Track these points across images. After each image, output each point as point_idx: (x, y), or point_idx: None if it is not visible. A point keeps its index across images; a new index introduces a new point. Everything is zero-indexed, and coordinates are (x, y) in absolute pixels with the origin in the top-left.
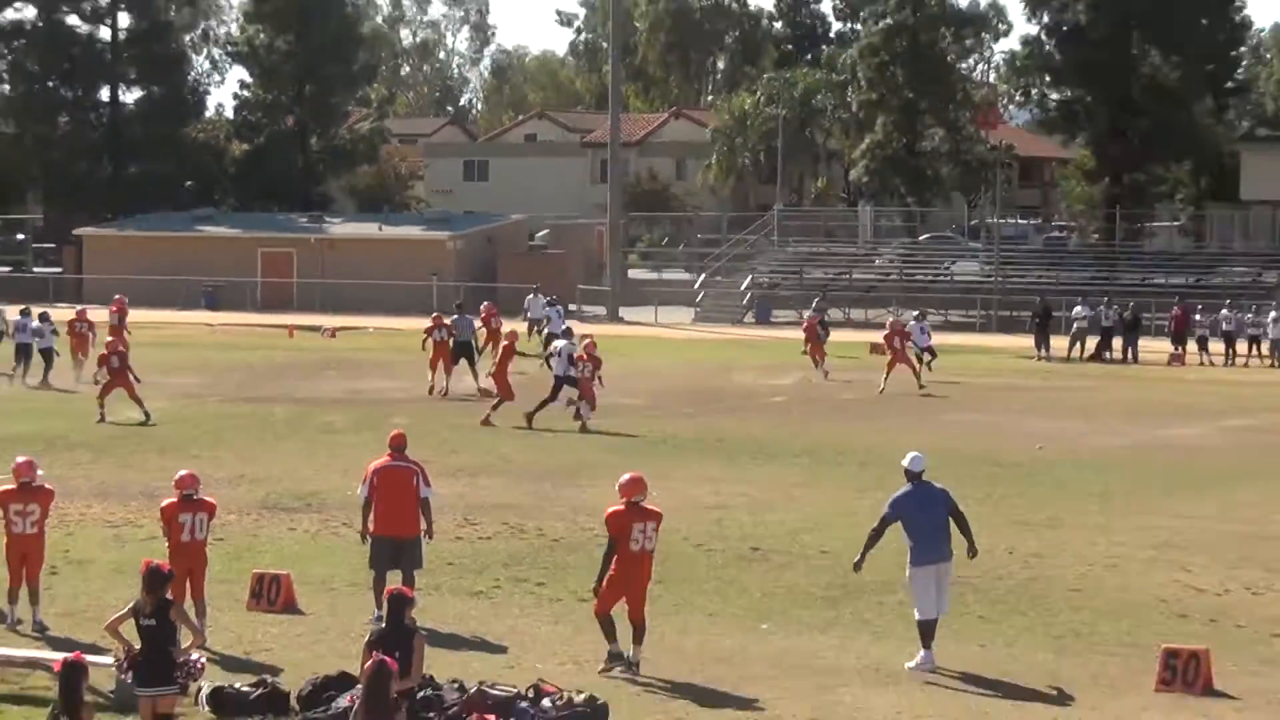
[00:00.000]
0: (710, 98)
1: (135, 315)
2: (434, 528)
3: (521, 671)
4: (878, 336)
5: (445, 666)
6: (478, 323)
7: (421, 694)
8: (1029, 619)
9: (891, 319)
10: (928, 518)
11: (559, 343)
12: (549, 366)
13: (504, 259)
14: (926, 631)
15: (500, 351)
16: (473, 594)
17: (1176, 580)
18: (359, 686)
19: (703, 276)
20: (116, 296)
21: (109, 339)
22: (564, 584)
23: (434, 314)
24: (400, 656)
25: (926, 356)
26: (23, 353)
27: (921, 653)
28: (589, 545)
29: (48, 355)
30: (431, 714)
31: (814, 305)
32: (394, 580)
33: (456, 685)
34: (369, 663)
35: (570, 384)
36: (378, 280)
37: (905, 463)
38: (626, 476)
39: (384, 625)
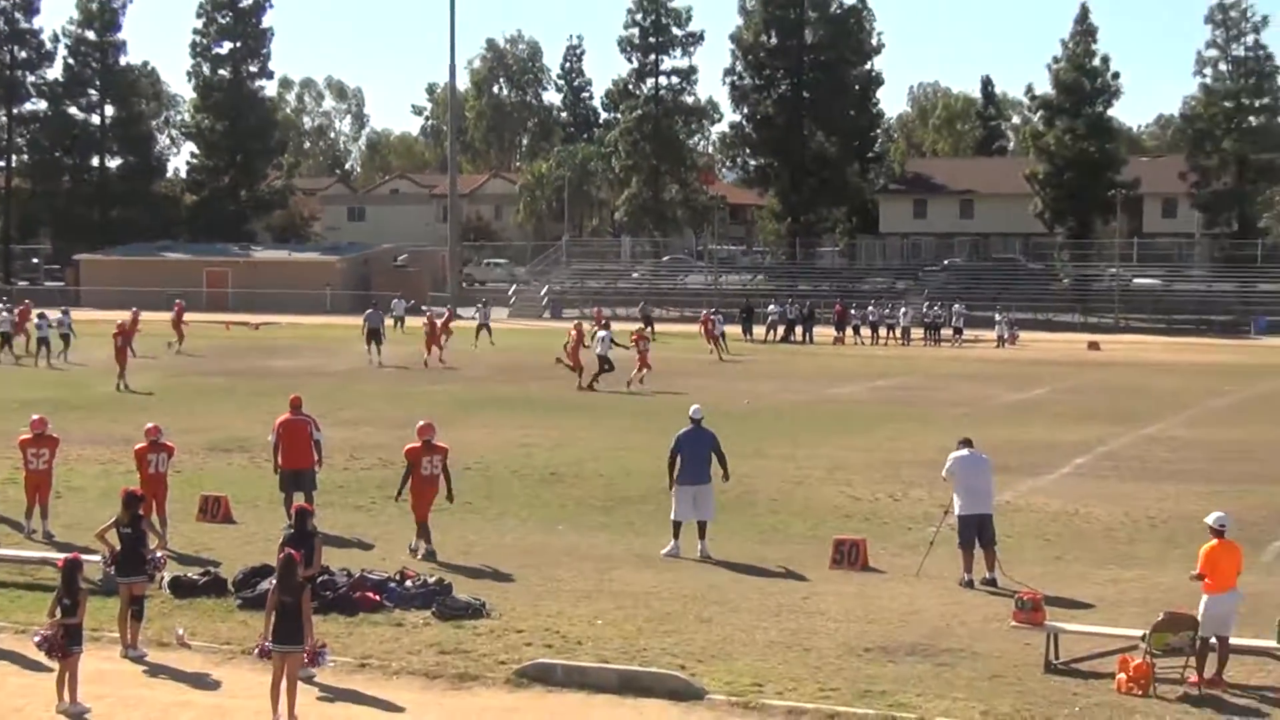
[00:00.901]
0: (518, 164)
1: (123, 315)
2: (324, 461)
3: (391, 562)
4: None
5: (337, 559)
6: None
7: (320, 578)
8: (743, 519)
9: (705, 312)
10: (695, 451)
11: (601, 333)
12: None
13: (376, 275)
14: (676, 530)
15: (573, 337)
16: (356, 508)
17: (842, 492)
18: (275, 573)
19: (515, 285)
20: (177, 301)
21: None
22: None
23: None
24: (305, 553)
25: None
26: (43, 344)
27: (671, 543)
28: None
29: (66, 340)
30: (328, 592)
31: (711, 308)
32: (298, 500)
33: (345, 572)
34: (281, 555)
35: (607, 363)
36: (288, 290)
37: (690, 412)
38: (421, 422)
39: (293, 531)
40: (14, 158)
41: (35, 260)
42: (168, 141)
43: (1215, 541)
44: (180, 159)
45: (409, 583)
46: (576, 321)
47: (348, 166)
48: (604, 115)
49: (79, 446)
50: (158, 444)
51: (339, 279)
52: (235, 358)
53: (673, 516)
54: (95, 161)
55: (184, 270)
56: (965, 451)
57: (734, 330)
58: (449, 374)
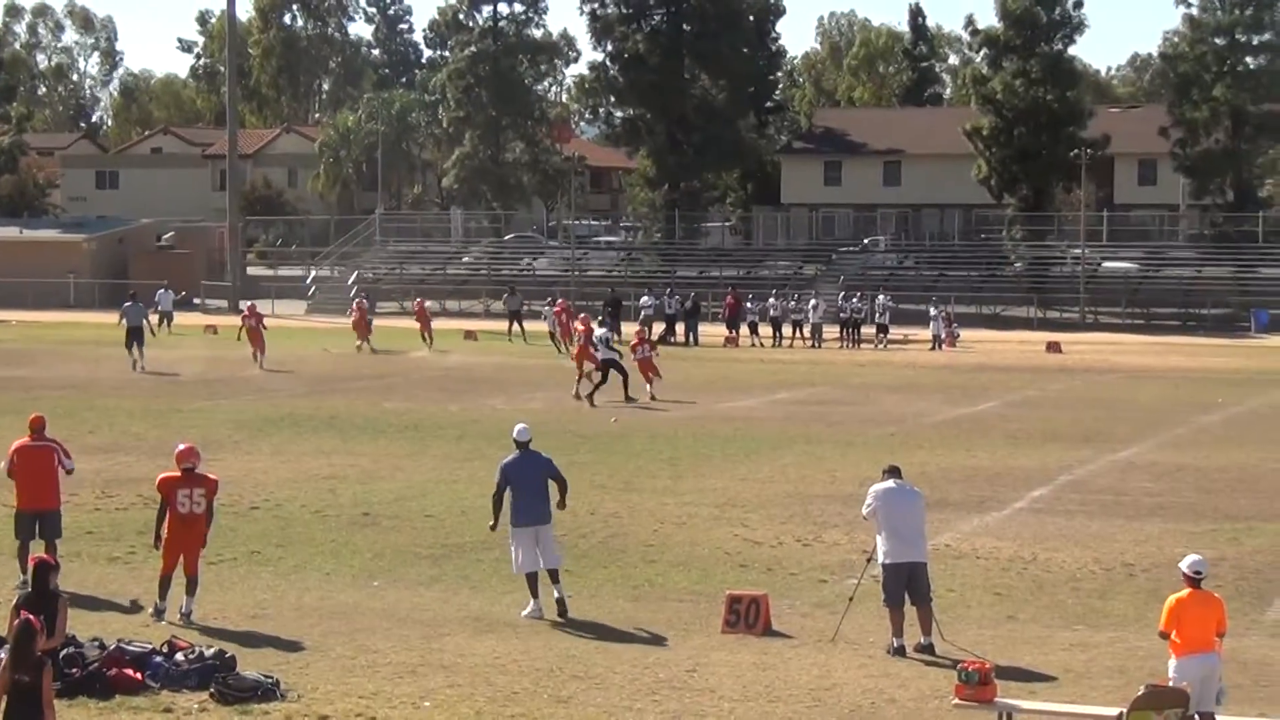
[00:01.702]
0: (317, 115)
1: None
2: (75, 500)
3: (157, 629)
4: (470, 325)
5: (87, 626)
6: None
7: (65, 651)
8: (610, 571)
9: (560, 301)
10: (527, 483)
11: (599, 331)
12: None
13: (135, 258)
14: (531, 585)
15: (581, 331)
16: (110, 559)
17: (737, 535)
18: (6, 645)
19: (314, 273)
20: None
21: None
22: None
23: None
24: (45, 619)
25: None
26: None
27: (531, 602)
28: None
29: None
30: (74, 670)
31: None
32: (37, 551)
33: (97, 643)
34: (14, 621)
35: (616, 366)
36: (20, 278)
37: (514, 434)
38: (180, 446)
39: (30, 590)
40: None
41: None
42: None
43: (1186, 592)
44: None
45: (180, 655)
46: (584, 315)
47: (96, 119)
48: (427, 53)
49: None
50: None
51: (86, 263)
52: None
53: (515, 569)
54: None
55: None
56: (892, 483)
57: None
58: (245, 384)
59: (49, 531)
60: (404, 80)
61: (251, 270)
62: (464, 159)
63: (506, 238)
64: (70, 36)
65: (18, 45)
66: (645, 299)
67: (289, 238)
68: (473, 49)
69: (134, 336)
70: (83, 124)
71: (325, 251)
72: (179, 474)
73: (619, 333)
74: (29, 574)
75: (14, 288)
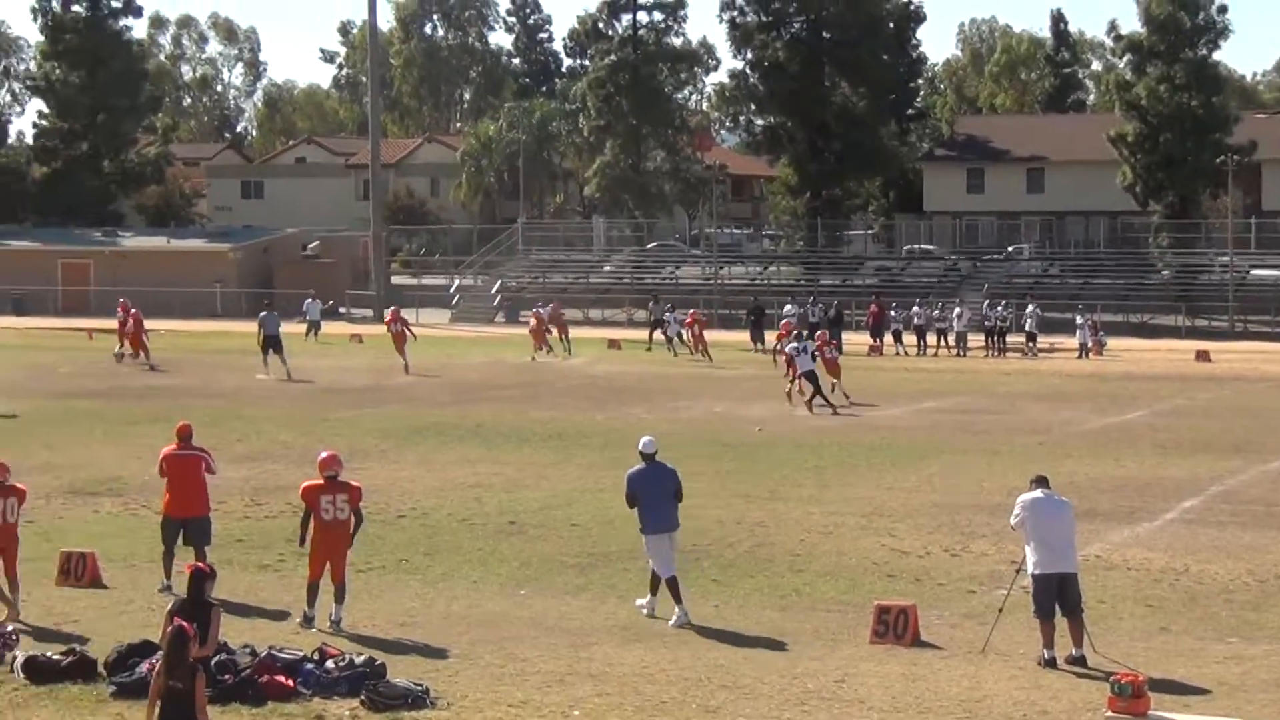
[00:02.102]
0: (459, 124)
1: None
2: (224, 507)
3: (307, 636)
4: (614, 334)
5: (238, 632)
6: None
7: (218, 658)
8: (757, 581)
9: (693, 311)
10: (656, 493)
11: (793, 345)
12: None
13: (280, 267)
14: (674, 590)
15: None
16: (261, 567)
17: (884, 544)
18: (160, 652)
19: (457, 281)
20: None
21: None
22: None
23: (392, 308)
24: (199, 626)
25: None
26: None
27: (676, 609)
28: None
29: None
30: (227, 676)
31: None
32: (186, 559)
33: (248, 650)
34: (169, 628)
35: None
36: (167, 288)
37: (640, 446)
38: (323, 454)
39: (185, 598)
40: None
41: None
42: (8, 98)
43: None
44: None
45: (330, 663)
46: (786, 321)
47: (240, 129)
48: (567, 62)
49: None
50: (5, 487)
51: (232, 273)
52: (100, 375)
53: (661, 572)
54: None
55: (32, 263)
56: (1040, 493)
57: (739, 337)
58: (392, 392)
59: (197, 539)
60: (544, 89)
61: (395, 279)
62: (605, 168)
63: (649, 246)
64: (214, 48)
65: (162, 57)
66: (789, 307)
67: (432, 247)
68: (612, 57)
69: (270, 345)
70: (227, 134)
71: (468, 260)
72: (322, 481)
73: (762, 341)
74: (170, 577)
75: (161, 297)
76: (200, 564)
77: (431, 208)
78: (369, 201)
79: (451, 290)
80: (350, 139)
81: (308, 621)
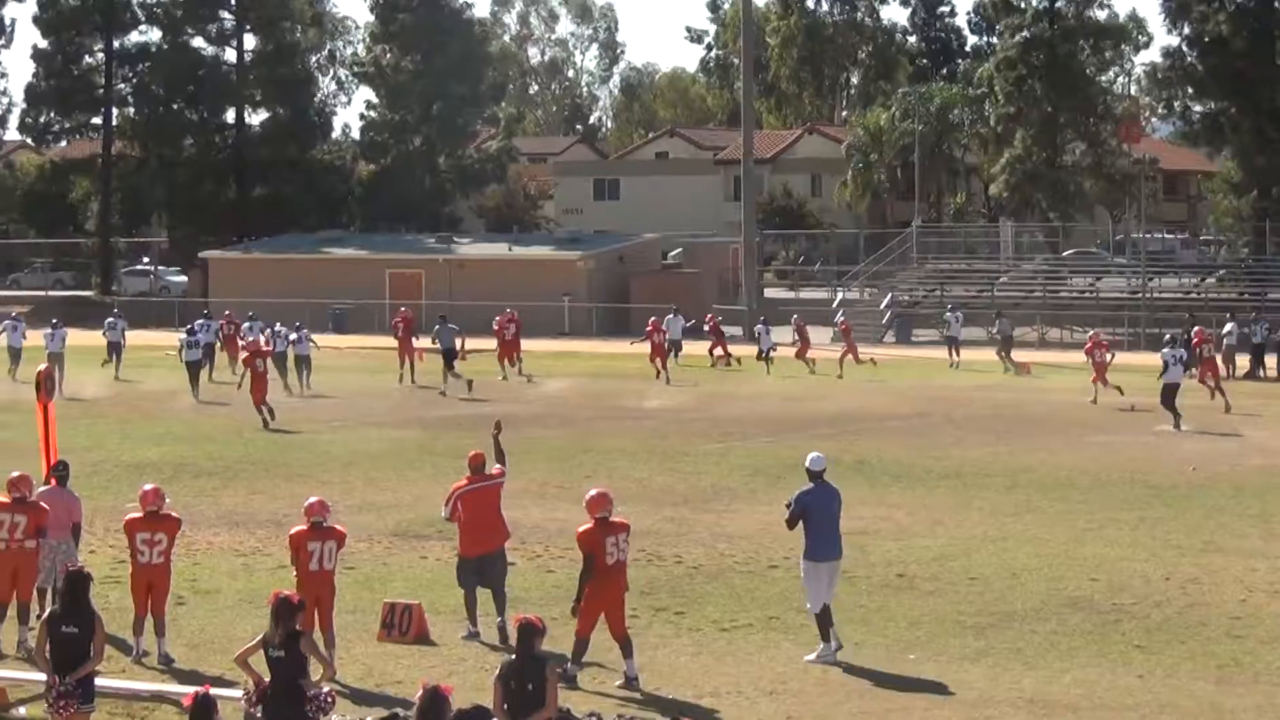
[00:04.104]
0: (844, 113)
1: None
2: (575, 553)
3: (661, 704)
4: (1022, 355)
5: (582, 698)
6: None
7: None
8: (1189, 647)
9: (1094, 332)
10: (826, 516)
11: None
12: None
13: (637, 279)
14: (823, 623)
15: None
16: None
17: None
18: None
19: (841, 295)
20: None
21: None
22: (703, 613)
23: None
24: (533, 688)
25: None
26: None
27: (820, 645)
28: (729, 573)
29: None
30: None
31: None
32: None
33: (594, 717)
34: (498, 687)
35: None
36: (508, 301)
37: (808, 463)
38: (592, 493)
39: (513, 658)
40: (115, 111)
41: (146, 260)
42: (333, 87)
43: None
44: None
45: None
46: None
47: (593, 121)
48: (971, 40)
49: (209, 529)
50: (322, 528)
51: (582, 284)
52: (426, 402)
53: (810, 606)
54: (230, 116)
55: (357, 273)
56: None
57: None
58: (763, 423)
59: (496, 576)
60: (944, 72)
61: (769, 292)
62: (1014, 163)
63: (1065, 254)
64: (565, 28)
65: (507, 38)
66: (1228, 326)
67: (812, 254)
68: (1025, 34)
69: (447, 359)
70: (579, 126)
71: (854, 270)
72: (594, 524)
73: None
74: (477, 624)
75: (501, 313)
76: (531, 617)
77: (812, 209)
78: (739, 202)
79: (834, 304)
80: (719, 131)
81: (569, 680)
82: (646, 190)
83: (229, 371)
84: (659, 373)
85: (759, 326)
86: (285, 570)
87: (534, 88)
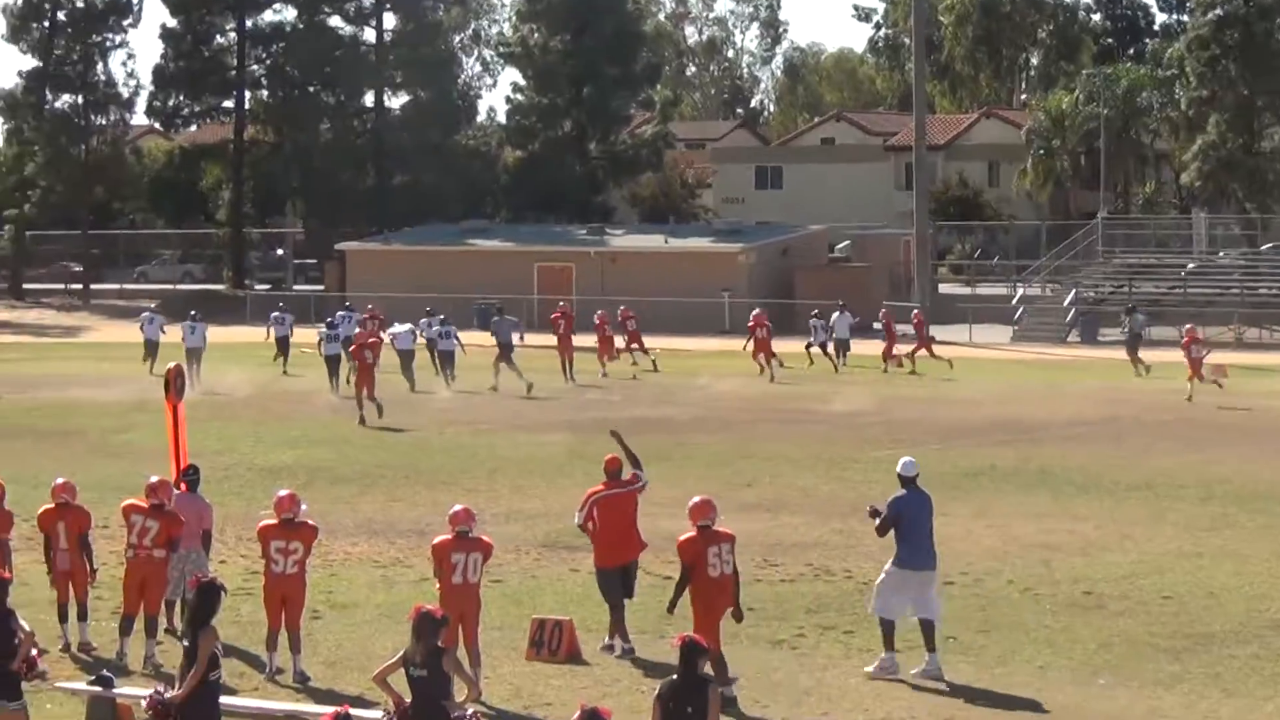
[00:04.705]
0: (1024, 96)
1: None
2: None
3: None
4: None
5: None
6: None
7: None
8: None
9: (1188, 325)
10: (918, 523)
11: None
12: None
13: (802, 273)
14: (888, 633)
15: None
16: (774, 643)
17: None
18: None
19: (1021, 291)
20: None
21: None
22: (875, 633)
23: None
24: (694, 711)
25: None
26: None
27: (882, 655)
28: None
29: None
30: None
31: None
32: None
33: None
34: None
35: None
36: (664, 297)
37: (900, 468)
38: (695, 499)
39: (674, 678)
40: (247, 94)
41: (279, 252)
42: (478, 68)
43: None
44: (497, 95)
45: None
46: None
47: (755, 104)
48: (1160, 18)
49: (347, 539)
50: (467, 538)
51: (743, 279)
52: (578, 404)
53: (873, 610)
54: (369, 99)
55: (503, 266)
56: None
57: None
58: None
59: (626, 587)
60: (1131, 52)
61: (944, 288)
62: (1207, 149)
63: (1262, 248)
64: (724, 5)
65: (662, 16)
66: None
67: (990, 248)
68: (1218, 11)
69: (503, 353)
70: (739, 110)
71: (1034, 265)
72: (695, 533)
73: None
74: (622, 637)
75: (658, 309)
76: (695, 636)
77: (989, 199)
78: (911, 192)
79: (1014, 301)
80: (889, 115)
81: (729, 701)
82: (811, 178)
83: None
84: (762, 369)
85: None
86: (427, 583)
87: (691, 69)
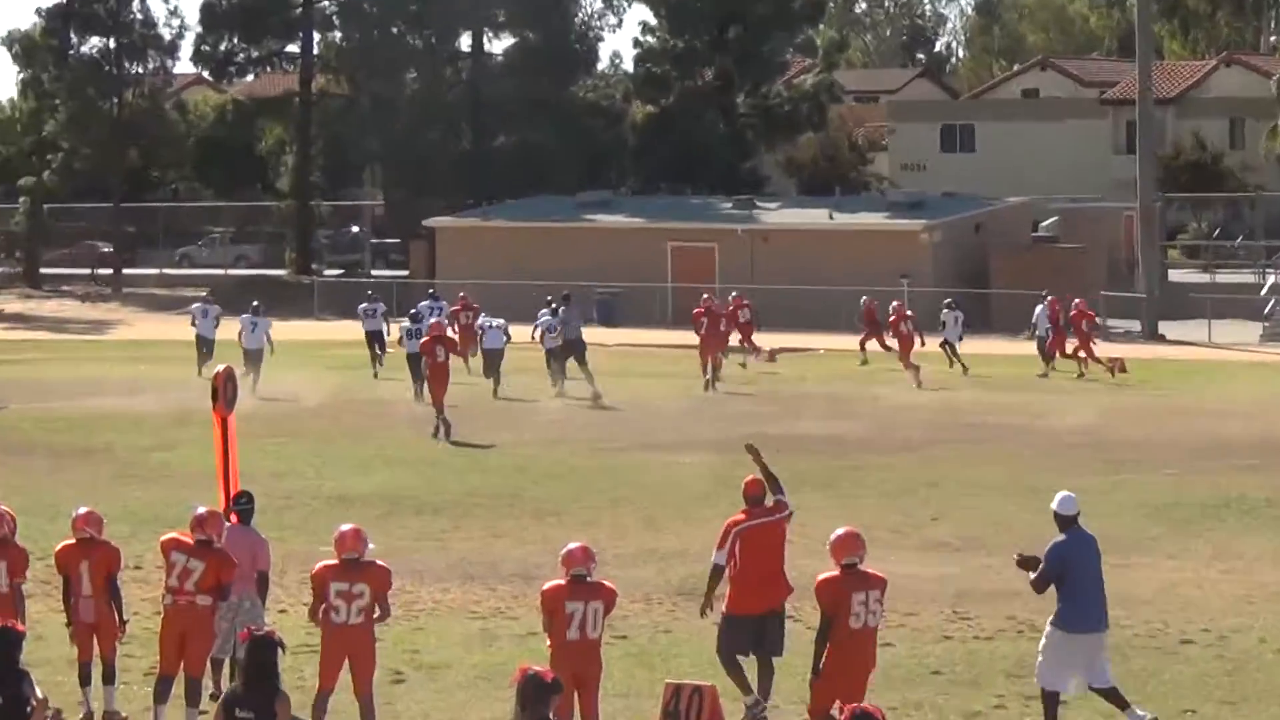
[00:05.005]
0: (1274, 39)
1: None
2: (916, 620)
3: None
4: None
5: None
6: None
7: None
8: None
9: None
10: (1086, 572)
11: None
12: None
13: (998, 256)
14: (1050, 707)
15: None
16: (968, 716)
17: None
18: None
19: (1272, 279)
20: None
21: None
22: (1093, 703)
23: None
24: None
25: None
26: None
27: (1136, 711)
28: (1125, 649)
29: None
30: None
31: None
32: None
33: None
34: None
35: None
36: (828, 285)
37: (1056, 505)
38: (839, 532)
39: None
40: (315, 37)
41: (355, 230)
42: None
43: None
44: (623, 37)
45: None
46: None
47: (940, 49)
48: None
49: (436, 584)
50: (585, 583)
51: (925, 262)
52: (724, 417)
53: (1041, 680)
54: (465, 44)
55: (630, 247)
56: None
57: None
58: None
59: (771, 644)
60: None
61: (1175, 274)
62: None
63: None
64: None
65: None
66: None
67: (1232, 226)
68: None
69: (573, 352)
70: (921, 56)
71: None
72: (838, 573)
73: None
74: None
75: (823, 298)
76: (867, 706)
77: (1231, 164)
78: (1133, 156)
79: (1263, 292)
80: (1106, 62)
81: None
82: (1010, 139)
83: (463, 370)
84: (704, 377)
85: (945, 312)
86: (536, 638)
87: (862, 5)
